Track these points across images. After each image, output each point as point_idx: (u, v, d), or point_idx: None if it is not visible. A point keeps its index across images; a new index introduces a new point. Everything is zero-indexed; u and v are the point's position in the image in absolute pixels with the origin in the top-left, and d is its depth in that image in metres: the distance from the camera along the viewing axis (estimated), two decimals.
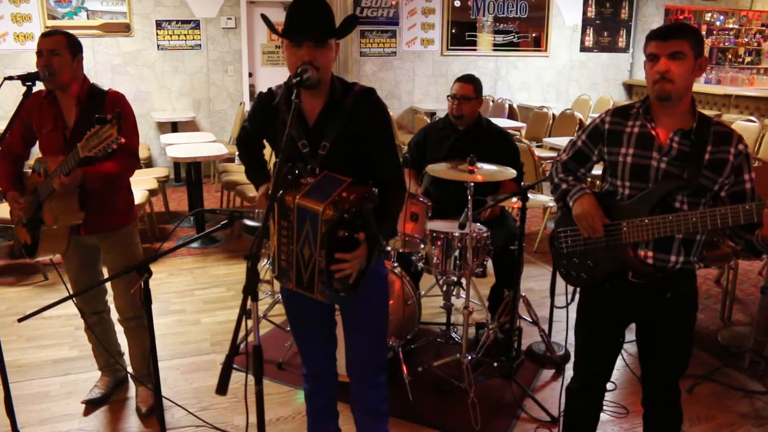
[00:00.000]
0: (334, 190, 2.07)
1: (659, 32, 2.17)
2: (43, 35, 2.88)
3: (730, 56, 11.75)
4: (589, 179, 2.55)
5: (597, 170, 2.57)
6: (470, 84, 3.93)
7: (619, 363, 2.62)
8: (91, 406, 3.37)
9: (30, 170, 3.05)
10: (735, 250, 4.18)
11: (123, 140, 2.55)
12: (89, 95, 2.95)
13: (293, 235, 2.13)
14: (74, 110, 2.93)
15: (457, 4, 9.88)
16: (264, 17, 2.37)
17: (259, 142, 2.55)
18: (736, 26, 11.66)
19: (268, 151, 2.59)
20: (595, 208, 2.33)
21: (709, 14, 11.47)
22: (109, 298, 3.38)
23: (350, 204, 2.04)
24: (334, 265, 2.07)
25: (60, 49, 2.84)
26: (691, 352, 2.46)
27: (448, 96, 4.01)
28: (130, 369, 3.46)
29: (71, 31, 2.99)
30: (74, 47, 2.91)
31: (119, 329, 3.40)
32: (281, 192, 2.11)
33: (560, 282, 2.74)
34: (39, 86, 2.87)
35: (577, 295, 2.58)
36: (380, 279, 2.42)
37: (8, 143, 3.03)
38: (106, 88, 3.03)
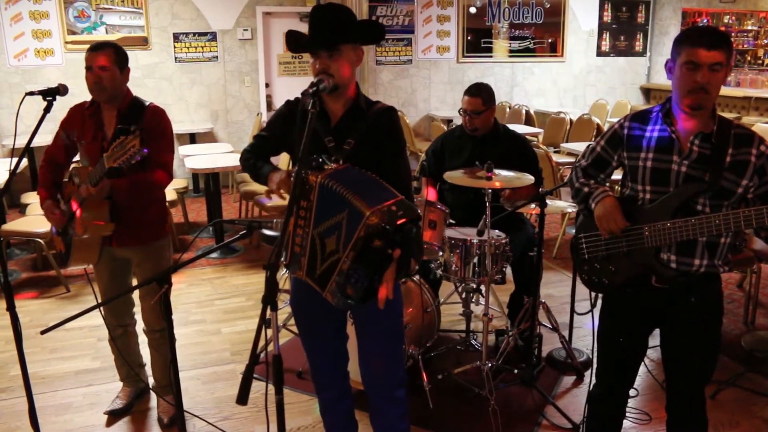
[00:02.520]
0: (384, 197, 2.00)
1: (704, 40, 2.07)
2: (92, 49, 2.89)
3: (749, 58, 11.63)
4: (607, 184, 2.53)
5: (616, 175, 2.54)
6: (478, 97, 3.87)
7: (641, 369, 2.59)
8: (113, 416, 3.39)
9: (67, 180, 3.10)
10: (757, 253, 4.13)
11: (146, 151, 2.58)
12: (130, 108, 2.97)
13: (311, 217, 2.08)
14: (114, 122, 2.96)
15: (473, 10, 9.88)
16: (286, 35, 2.36)
17: (270, 153, 2.53)
18: (755, 28, 11.54)
19: (285, 161, 2.60)
20: (616, 209, 2.31)
21: (728, 16, 11.37)
22: (135, 309, 3.41)
23: (398, 219, 1.97)
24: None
25: (110, 65, 2.87)
26: (717, 357, 2.43)
27: (459, 110, 4.00)
28: (151, 380, 3.48)
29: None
30: (123, 60, 2.94)
31: (143, 340, 3.41)
32: (304, 171, 2.07)
33: (581, 288, 2.72)
34: (59, 100, 2.88)
35: (600, 301, 2.55)
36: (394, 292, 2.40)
37: (50, 152, 3.09)
38: (148, 102, 3.05)
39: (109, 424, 3.35)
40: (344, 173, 2.11)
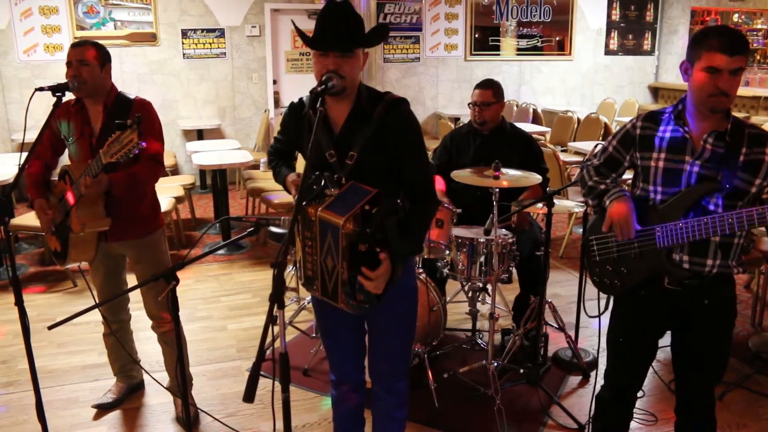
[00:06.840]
0: (358, 201, 2.06)
1: (726, 46, 2.03)
2: (73, 46, 2.94)
3: (758, 57, 11.57)
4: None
5: (627, 175, 2.53)
6: (489, 89, 3.89)
7: None
8: (101, 410, 3.42)
9: (57, 178, 3.09)
10: (766, 254, 4.11)
11: (144, 145, 2.58)
12: (116, 103, 2.99)
13: (317, 246, 2.15)
14: (101, 118, 2.97)
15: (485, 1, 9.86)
16: (295, 26, 2.38)
17: (291, 153, 2.55)
18: (765, 27, 11.48)
19: (300, 164, 2.60)
20: (631, 210, 2.30)
21: (737, 15, 11.31)
22: (132, 305, 3.42)
23: (373, 218, 2.04)
24: (360, 277, 2.09)
25: (89, 59, 2.89)
26: (728, 359, 2.42)
27: (469, 103, 4.00)
28: (145, 375, 3.48)
29: (99, 41, 3.04)
30: (103, 57, 2.96)
31: (144, 336, 3.41)
32: (304, 203, 2.12)
33: (588, 288, 2.71)
34: (69, 96, 2.91)
35: (610, 303, 2.54)
36: (408, 290, 2.42)
37: (37, 152, 3.08)
38: (133, 96, 3.07)
39: (115, 418, 3.37)
40: (341, 200, 2.12)
